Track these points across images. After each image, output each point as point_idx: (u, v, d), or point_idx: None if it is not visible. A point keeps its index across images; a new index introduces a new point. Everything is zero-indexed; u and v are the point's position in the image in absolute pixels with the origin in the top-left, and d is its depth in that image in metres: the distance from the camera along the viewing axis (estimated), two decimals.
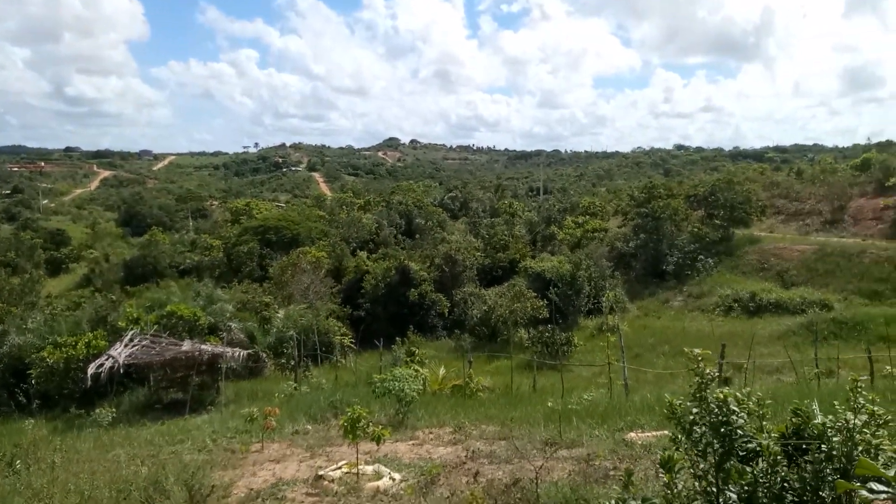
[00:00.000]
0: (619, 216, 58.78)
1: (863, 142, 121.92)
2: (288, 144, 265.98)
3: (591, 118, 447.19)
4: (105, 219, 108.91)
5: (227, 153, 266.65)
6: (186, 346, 20.57)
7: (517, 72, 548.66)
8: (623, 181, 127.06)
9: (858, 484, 2.52)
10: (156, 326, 22.86)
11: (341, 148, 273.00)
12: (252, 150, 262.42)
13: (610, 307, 38.69)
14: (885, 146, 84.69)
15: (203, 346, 20.77)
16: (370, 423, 9.62)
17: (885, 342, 26.29)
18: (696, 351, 4.71)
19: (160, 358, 19.76)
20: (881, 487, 2.40)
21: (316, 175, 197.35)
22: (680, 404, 4.55)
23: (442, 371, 21.59)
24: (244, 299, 34.79)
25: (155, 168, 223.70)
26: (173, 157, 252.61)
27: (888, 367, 17.53)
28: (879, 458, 3.74)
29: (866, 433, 3.91)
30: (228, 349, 21.15)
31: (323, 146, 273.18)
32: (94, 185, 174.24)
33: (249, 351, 23.60)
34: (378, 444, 9.91)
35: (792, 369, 20.97)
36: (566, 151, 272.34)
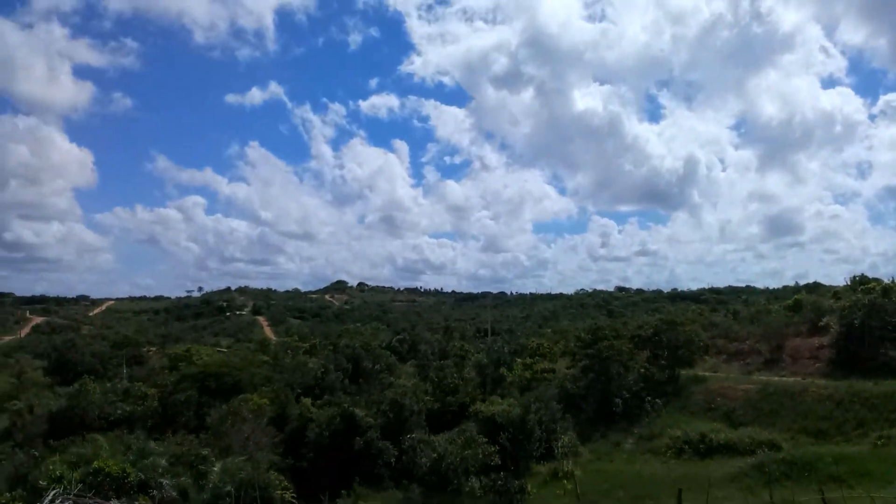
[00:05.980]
0: (566, 357, 59.08)
1: (791, 283, 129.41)
2: (233, 288, 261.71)
3: (534, 261, 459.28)
4: (33, 367, 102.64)
5: (168, 297, 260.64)
6: None
7: (461, 218, 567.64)
8: (568, 322, 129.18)
9: None
10: (80, 485, 21.14)
11: (287, 291, 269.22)
12: (195, 294, 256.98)
13: (563, 452, 37.85)
14: (812, 288, 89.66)
15: None
16: None
17: (835, 482, 26.38)
18: None
19: None
20: None
21: (261, 319, 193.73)
22: None
23: None
24: (179, 452, 32.77)
25: (91, 313, 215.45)
26: (111, 302, 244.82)
27: None
28: None
29: None
30: None
31: (269, 289, 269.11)
32: (25, 331, 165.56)
33: None
34: None
35: None
36: (512, 293, 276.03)
